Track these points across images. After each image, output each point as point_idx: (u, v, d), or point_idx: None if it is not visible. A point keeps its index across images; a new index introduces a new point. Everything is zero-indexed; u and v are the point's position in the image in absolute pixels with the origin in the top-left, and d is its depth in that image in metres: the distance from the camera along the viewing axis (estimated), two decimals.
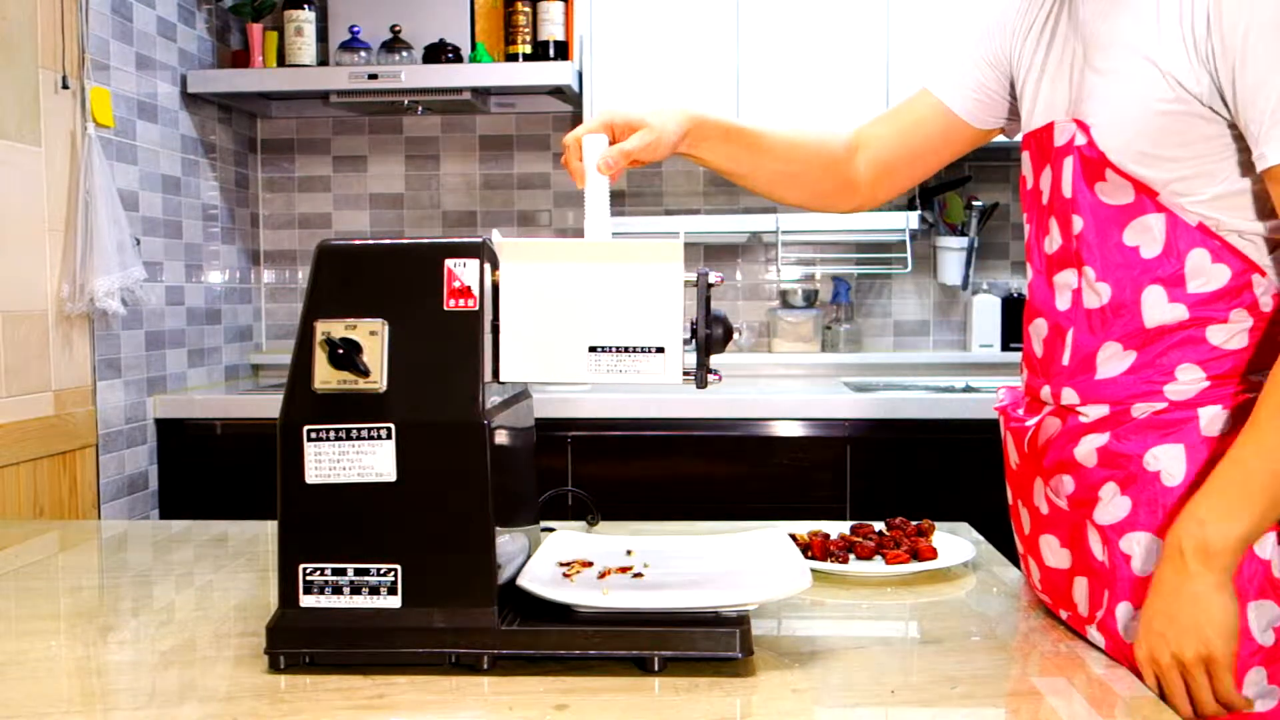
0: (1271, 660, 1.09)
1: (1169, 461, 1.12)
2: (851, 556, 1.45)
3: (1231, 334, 1.11)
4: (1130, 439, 1.14)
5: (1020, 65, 1.31)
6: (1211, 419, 1.11)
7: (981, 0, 1.41)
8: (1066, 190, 1.19)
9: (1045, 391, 1.24)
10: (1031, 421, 1.25)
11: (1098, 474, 1.16)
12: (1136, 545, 1.14)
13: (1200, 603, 1.05)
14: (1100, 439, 1.16)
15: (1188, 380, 1.12)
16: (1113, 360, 1.15)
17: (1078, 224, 1.17)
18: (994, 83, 1.36)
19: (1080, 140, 1.17)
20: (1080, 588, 1.20)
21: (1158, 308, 1.13)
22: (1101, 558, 1.17)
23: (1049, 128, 1.22)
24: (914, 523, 1.55)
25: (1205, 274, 1.11)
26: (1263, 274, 1.11)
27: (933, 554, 1.44)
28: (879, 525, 1.58)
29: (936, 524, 1.61)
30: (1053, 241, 1.22)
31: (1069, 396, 1.19)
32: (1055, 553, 1.24)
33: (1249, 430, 1.05)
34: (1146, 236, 1.13)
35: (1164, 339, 1.13)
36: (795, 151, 1.43)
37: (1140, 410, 1.14)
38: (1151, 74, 1.10)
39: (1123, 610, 1.14)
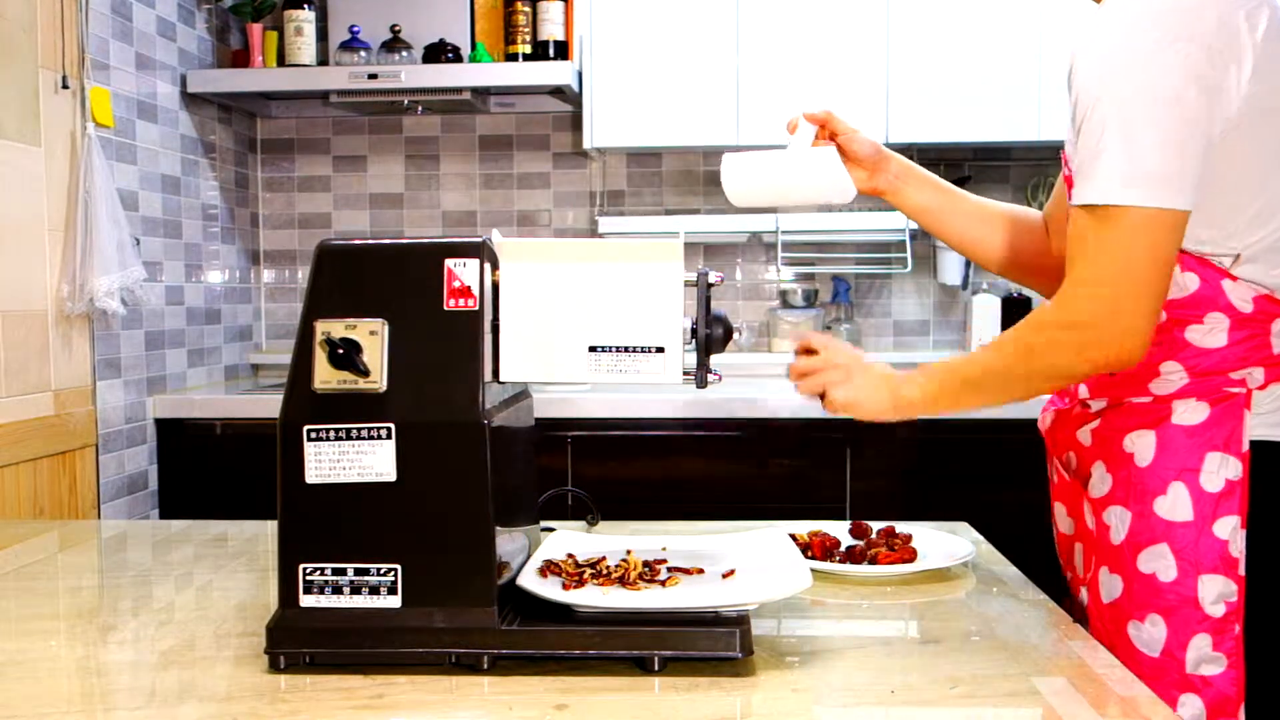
0: (1217, 630, 1.22)
1: (1142, 446, 1.27)
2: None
3: (1208, 333, 1.24)
4: (1115, 425, 1.30)
5: None
6: (1185, 410, 1.25)
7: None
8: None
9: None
10: (1061, 404, 1.42)
11: (1091, 454, 1.33)
12: (1114, 517, 1.28)
13: (873, 392, 1.34)
14: (1095, 424, 1.33)
15: (1170, 376, 1.26)
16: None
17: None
18: None
19: (1065, 169, 1.35)
20: (1078, 552, 1.38)
21: None
22: (1091, 526, 1.32)
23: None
24: (895, 528, 1.56)
25: (1177, 282, 1.23)
26: (1234, 279, 1.22)
27: (912, 554, 1.44)
28: (877, 525, 1.58)
29: (936, 524, 1.61)
30: None
31: (1082, 390, 1.35)
32: (1063, 519, 1.43)
33: (988, 347, 1.29)
34: None
35: (1166, 335, 1.24)
36: (991, 209, 1.57)
37: (1129, 401, 1.29)
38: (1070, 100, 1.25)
39: (1103, 574, 1.29)
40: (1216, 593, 1.22)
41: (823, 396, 1.37)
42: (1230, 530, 1.21)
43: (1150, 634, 1.24)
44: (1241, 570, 1.21)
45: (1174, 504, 1.24)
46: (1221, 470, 1.22)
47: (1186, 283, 1.23)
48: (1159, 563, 1.24)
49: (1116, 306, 1.17)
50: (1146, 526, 1.25)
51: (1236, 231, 1.21)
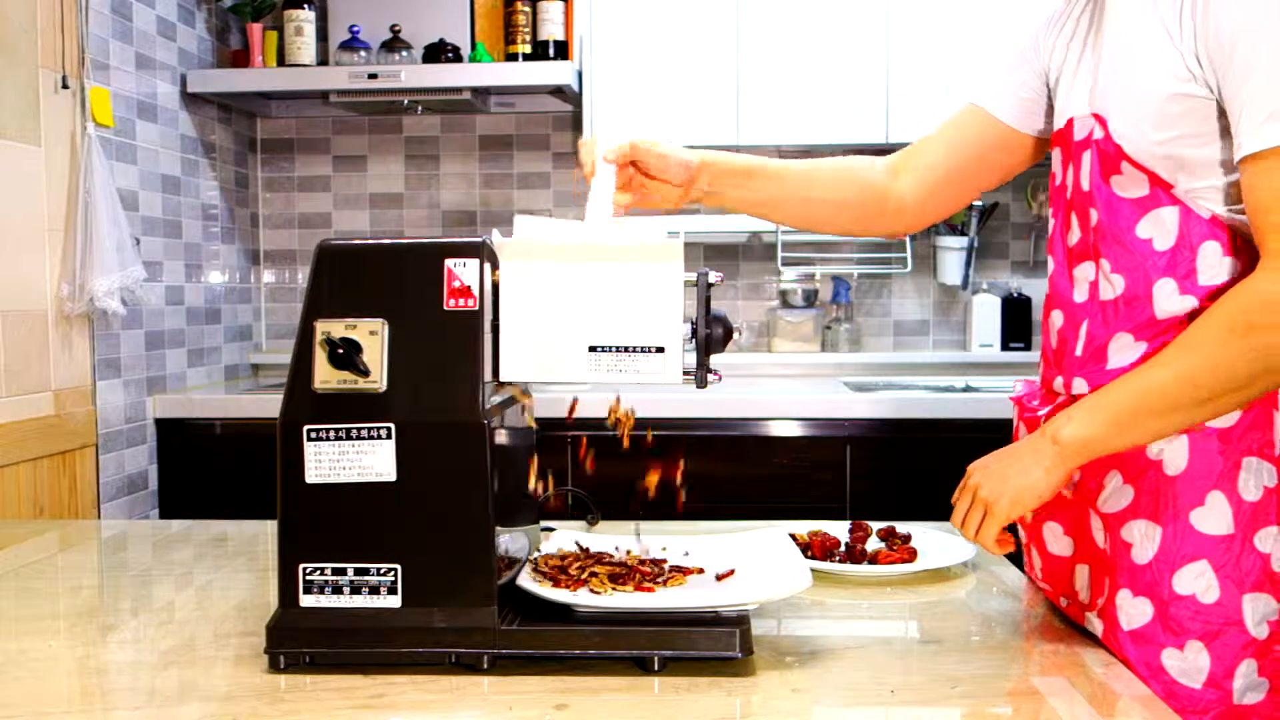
0: (1263, 653, 1.11)
1: (1171, 452, 1.14)
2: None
3: None
4: None
5: (1054, 64, 1.32)
6: None
7: (1020, 6, 1.42)
8: (1085, 184, 1.21)
9: (1058, 383, 1.26)
10: (1043, 411, 1.26)
11: (1101, 463, 1.17)
12: (1136, 533, 1.15)
13: (1021, 464, 1.14)
14: None
15: None
16: (1124, 351, 1.17)
17: (1094, 217, 1.19)
18: (1033, 84, 1.36)
19: (1098, 134, 1.18)
20: (1081, 575, 1.23)
21: (1169, 300, 1.14)
22: (1103, 545, 1.19)
23: (1070, 123, 1.25)
24: (895, 528, 1.56)
25: (1217, 267, 1.12)
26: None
27: (912, 554, 1.44)
28: (877, 525, 1.58)
29: (936, 524, 1.61)
30: (1073, 235, 1.24)
31: (1079, 386, 1.21)
32: (1058, 540, 1.27)
33: (1146, 366, 1.11)
34: (1160, 230, 1.14)
35: (1174, 330, 1.13)
36: (820, 177, 1.44)
37: None
38: (1159, 63, 1.12)
39: (1123, 597, 1.16)
40: (1260, 613, 1.11)
41: (982, 520, 1.17)
42: (1271, 542, 1.11)
43: (1193, 663, 1.11)
44: None
45: (1213, 516, 1.12)
46: (1258, 477, 1.12)
47: (1228, 268, 1.11)
48: (1199, 582, 1.11)
49: None
50: (1182, 542, 1.12)
51: None
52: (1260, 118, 1.04)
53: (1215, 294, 1.11)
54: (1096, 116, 1.19)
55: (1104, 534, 1.19)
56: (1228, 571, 1.11)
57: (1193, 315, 1.12)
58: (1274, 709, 1.12)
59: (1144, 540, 1.15)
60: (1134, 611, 1.15)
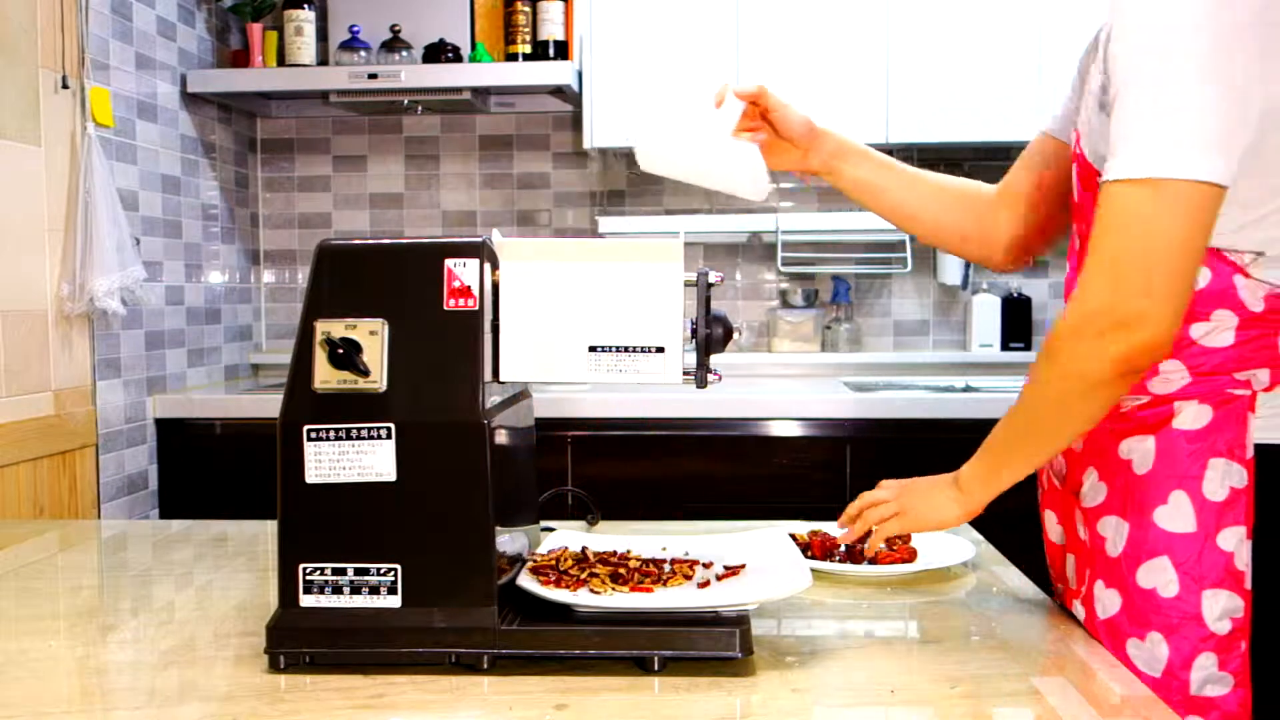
0: (1225, 648, 1.14)
1: (1140, 452, 1.19)
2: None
3: (1212, 331, 1.15)
4: (1109, 429, 1.21)
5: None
6: (1188, 414, 1.16)
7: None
8: (1075, 195, 1.26)
9: None
10: None
11: (1082, 460, 1.25)
12: (1109, 528, 1.21)
13: (935, 491, 1.28)
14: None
15: (1170, 375, 1.17)
16: None
17: (1081, 227, 1.23)
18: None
19: (1076, 149, 1.24)
20: (1070, 564, 1.29)
21: None
22: (1084, 537, 1.25)
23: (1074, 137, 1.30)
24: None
25: None
26: (1246, 275, 1.14)
27: (912, 554, 1.45)
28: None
29: None
30: (1077, 242, 1.28)
31: None
32: (1053, 527, 1.35)
33: (1007, 416, 1.21)
34: None
35: None
36: (934, 179, 1.50)
37: (1125, 404, 1.20)
38: (1095, 83, 1.18)
39: (1099, 587, 1.21)
40: (1221, 609, 1.14)
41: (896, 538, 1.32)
42: (1236, 542, 1.14)
43: (1151, 653, 1.16)
44: (1248, 584, 1.14)
45: (1175, 514, 1.16)
46: (1225, 478, 1.15)
47: (1199, 276, 1.13)
48: (1160, 577, 1.16)
49: (1143, 286, 1.05)
50: (1146, 538, 1.17)
51: (1264, 225, 1.12)
52: (1120, 150, 1.07)
53: (1191, 300, 1.13)
54: (1076, 131, 1.25)
55: (1084, 527, 1.25)
56: (1188, 568, 1.15)
57: None
58: (1236, 703, 1.14)
59: (1115, 535, 1.20)
60: (1107, 602, 1.20)
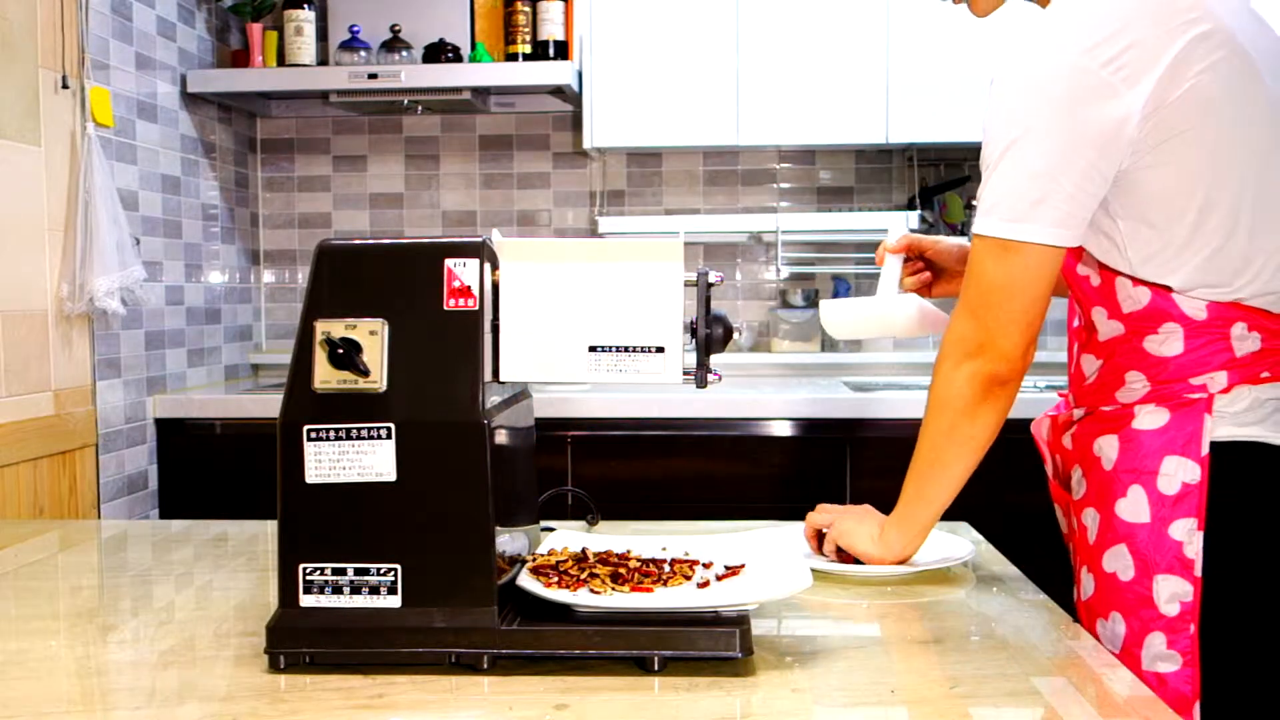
0: (1172, 629, 1.26)
1: (1107, 449, 1.32)
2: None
3: (1164, 342, 1.29)
4: (1088, 430, 1.36)
5: None
6: (1146, 415, 1.30)
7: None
8: None
9: (1072, 398, 1.46)
10: (1052, 412, 1.48)
11: (1071, 458, 1.39)
12: (1089, 518, 1.34)
13: (855, 525, 1.42)
14: (1074, 429, 1.39)
15: (1133, 385, 1.31)
16: (1091, 369, 1.37)
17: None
18: None
19: None
20: (1071, 553, 1.42)
21: (1105, 325, 1.34)
22: (1074, 527, 1.38)
23: None
24: None
25: (1131, 297, 1.30)
26: (1183, 293, 1.27)
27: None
28: None
29: (936, 524, 1.60)
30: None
31: (1073, 399, 1.43)
32: (1061, 520, 1.47)
33: (911, 464, 1.37)
34: (1090, 269, 1.34)
35: (1116, 351, 1.33)
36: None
37: (1102, 410, 1.35)
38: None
39: (1083, 572, 1.35)
40: (1170, 592, 1.26)
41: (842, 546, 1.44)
42: (1185, 532, 1.25)
43: (1113, 630, 1.29)
44: (1198, 571, 1.25)
45: (1133, 506, 1.28)
46: (1179, 474, 1.26)
47: (1139, 297, 1.29)
48: (1119, 562, 1.29)
49: (991, 320, 1.28)
50: (1110, 527, 1.30)
51: (1169, 260, 1.26)
52: (983, 209, 1.28)
53: (1138, 318, 1.29)
54: None
55: (1075, 518, 1.38)
56: (1142, 555, 1.27)
57: (1122, 340, 1.32)
58: (1184, 681, 1.25)
59: (1092, 524, 1.33)
60: (1085, 585, 1.34)
